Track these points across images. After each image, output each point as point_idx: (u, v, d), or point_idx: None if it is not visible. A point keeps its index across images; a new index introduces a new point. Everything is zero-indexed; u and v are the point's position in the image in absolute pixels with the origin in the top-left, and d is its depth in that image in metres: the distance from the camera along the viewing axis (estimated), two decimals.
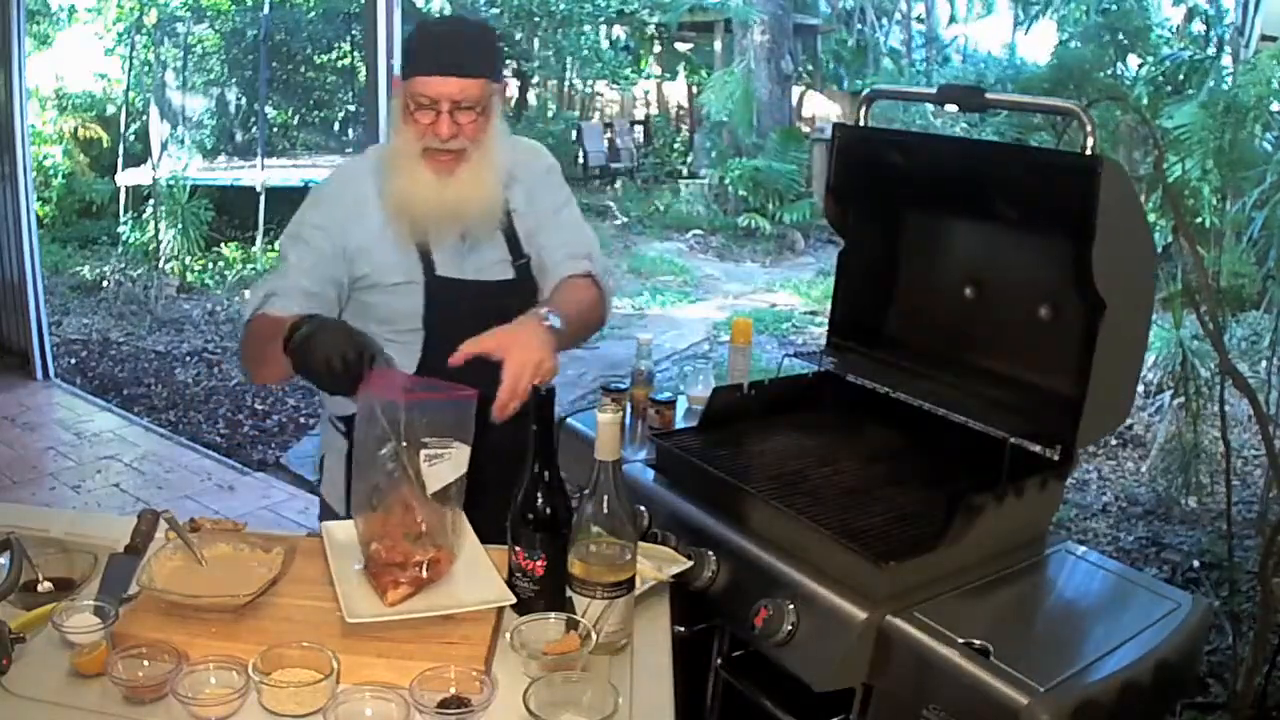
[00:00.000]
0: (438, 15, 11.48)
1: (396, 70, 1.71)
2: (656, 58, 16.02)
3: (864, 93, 2.00)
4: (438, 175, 1.62)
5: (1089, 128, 1.53)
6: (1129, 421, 4.43)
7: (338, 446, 1.80)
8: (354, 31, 9.85)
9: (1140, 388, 4.32)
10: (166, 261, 7.63)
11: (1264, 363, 4.36)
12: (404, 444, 1.28)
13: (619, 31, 15.24)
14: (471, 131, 1.61)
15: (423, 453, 1.29)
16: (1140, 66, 9.32)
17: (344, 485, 1.73)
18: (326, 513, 1.82)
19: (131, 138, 9.13)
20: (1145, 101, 7.48)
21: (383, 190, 1.66)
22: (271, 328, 1.50)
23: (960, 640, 1.35)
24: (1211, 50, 8.78)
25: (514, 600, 1.29)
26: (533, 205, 1.78)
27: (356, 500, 1.38)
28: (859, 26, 14.99)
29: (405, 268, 1.67)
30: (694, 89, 14.24)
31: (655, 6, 13.41)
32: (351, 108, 10.50)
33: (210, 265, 7.83)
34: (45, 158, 8.90)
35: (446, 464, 1.30)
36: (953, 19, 16.12)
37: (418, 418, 1.29)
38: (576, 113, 14.07)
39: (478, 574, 1.35)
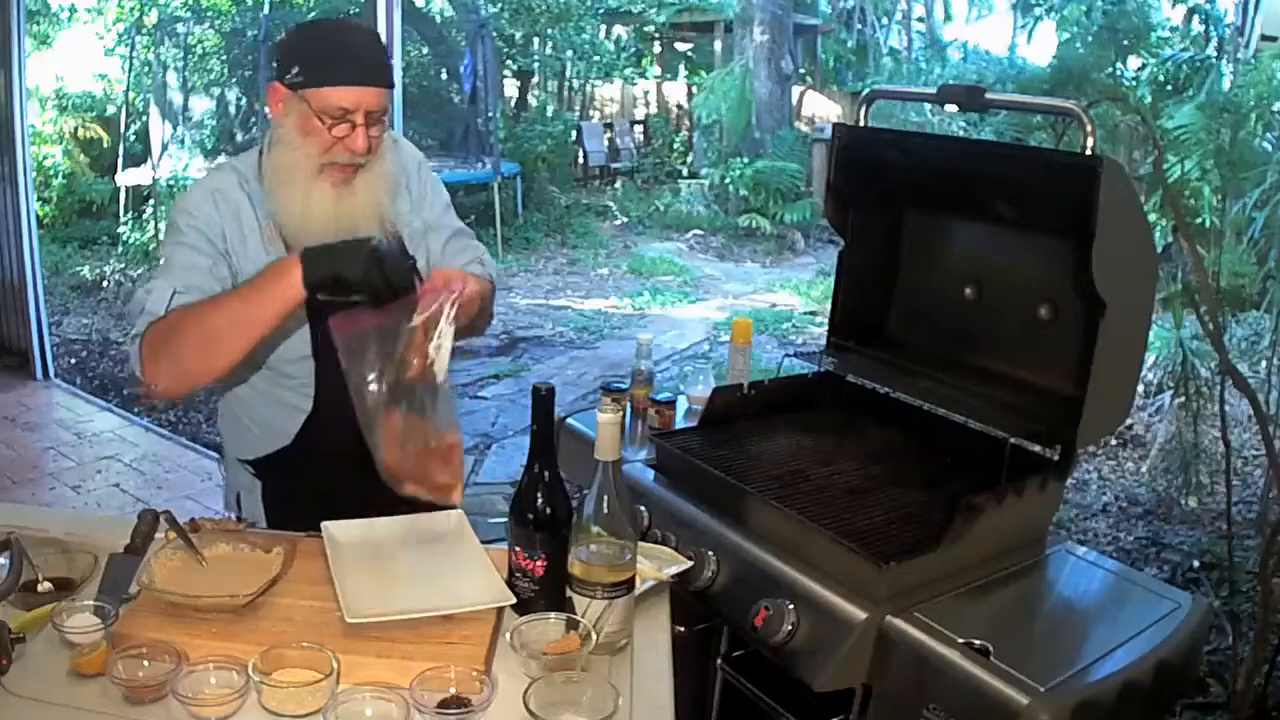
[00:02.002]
0: (436, 16, 11.49)
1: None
2: (657, 58, 16.03)
3: (864, 93, 2.00)
4: (335, 189, 1.52)
5: (1089, 128, 1.53)
6: (1129, 421, 4.43)
7: (249, 486, 1.76)
8: None
9: (1140, 388, 4.31)
10: None
11: (1264, 363, 4.36)
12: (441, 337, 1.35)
13: (620, 30, 15.24)
14: (377, 143, 1.53)
15: (431, 345, 1.35)
16: (1140, 67, 9.32)
17: (266, 520, 1.71)
18: None
19: (131, 138, 9.13)
20: (1146, 102, 7.48)
21: (272, 209, 1.54)
22: (213, 306, 1.38)
23: (960, 640, 1.35)
24: (1211, 50, 8.78)
25: (514, 600, 1.29)
26: (419, 204, 1.71)
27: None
28: (859, 26, 14.98)
29: (190, 295, 1.47)
30: (693, 89, 14.24)
31: (655, 5, 13.42)
32: None
33: None
34: (45, 158, 8.90)
35: (445, 346, 1.36)
36: (948, 17, 16.11)
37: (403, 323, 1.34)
38: (576, 113, 14.07)
39: (478, 574, 1.35)
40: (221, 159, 9.27)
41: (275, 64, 1.53)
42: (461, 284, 1.38)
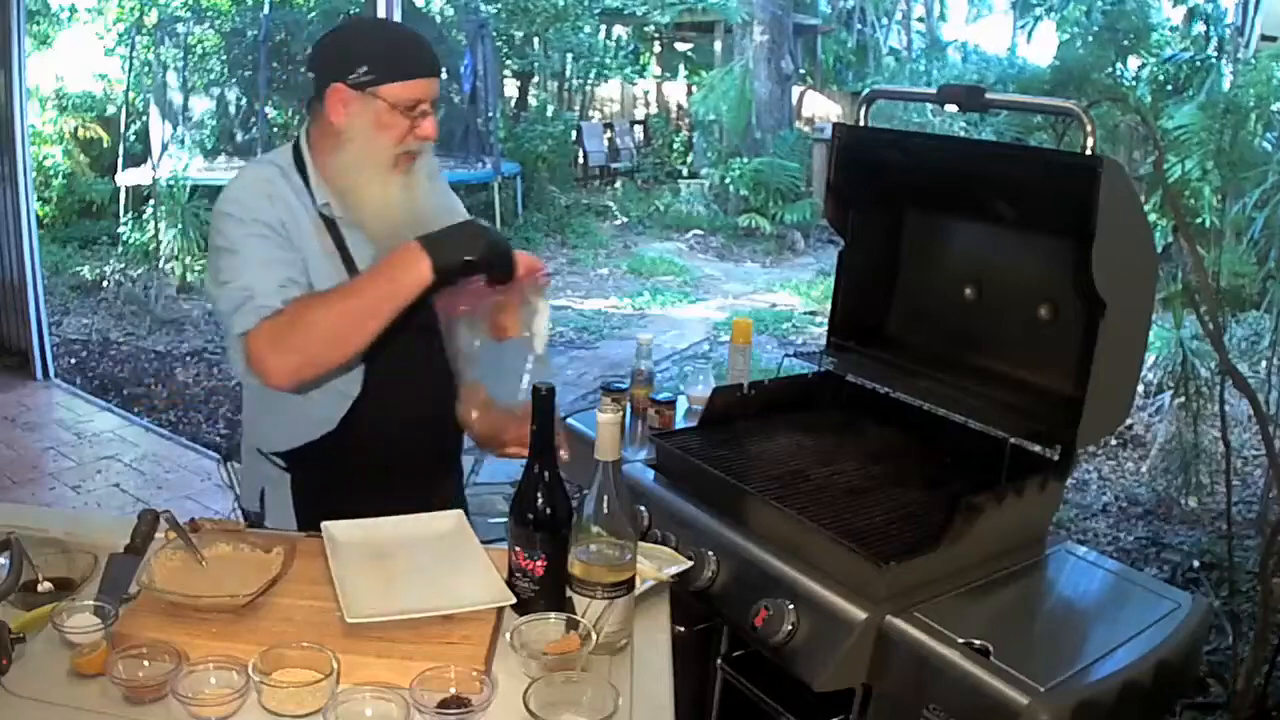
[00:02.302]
0: (436, 16, 11.49)
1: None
2: (657, 58, 16.02)
3: (864, 93, 2.00)
4: (403, 177, 1.56)
5: (1089, 128, 1.53)
6: (1129, 421, 4.43)
7: (275, 480, 1.71)
8: None
9: (1140, 388, 4.32)
10: (166, 261, 7.63)
11: (1264, 363, 4.36)
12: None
13: (620, 30, 15.24)
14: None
15: (536, 320, 1.52)
16: (1141, 67, 9.33)
17: (296, 515, 1.68)
18: None
19: (131, 138, 9.12)
20: (1146, 102, 7.48)
21: (344, 203, 1.56)
22: (340, 296, 1.44)
23: (960, 640, 1.35)
24: (1211, 50, 8.78)
25: (514, 600, 1.29)
26: (444, 197, 1.73)
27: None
28: (859, 27, 14.99)
29: (291, 288, 1.50)
30: (693, 89, 14.25)
31: (655, 6, 13.41)
32: None
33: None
34: (45, 158, 8.90)
35: (544, 318, 1.53)
36: (942, 16, 16.12)
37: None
38: (576, 113, 14.08)
39: (478, 574, 1.35)
40: (222, 159, 9.31)
41: (323, 68, 1.55)
42: (543, 264, 1.52)
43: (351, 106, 1.52)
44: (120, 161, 8.74)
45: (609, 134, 13.88)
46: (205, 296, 1.62)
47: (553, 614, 1.27)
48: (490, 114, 10.08)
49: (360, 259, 1.58)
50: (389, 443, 1.62)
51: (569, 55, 13.17)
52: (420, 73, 1.53)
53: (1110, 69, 9.31)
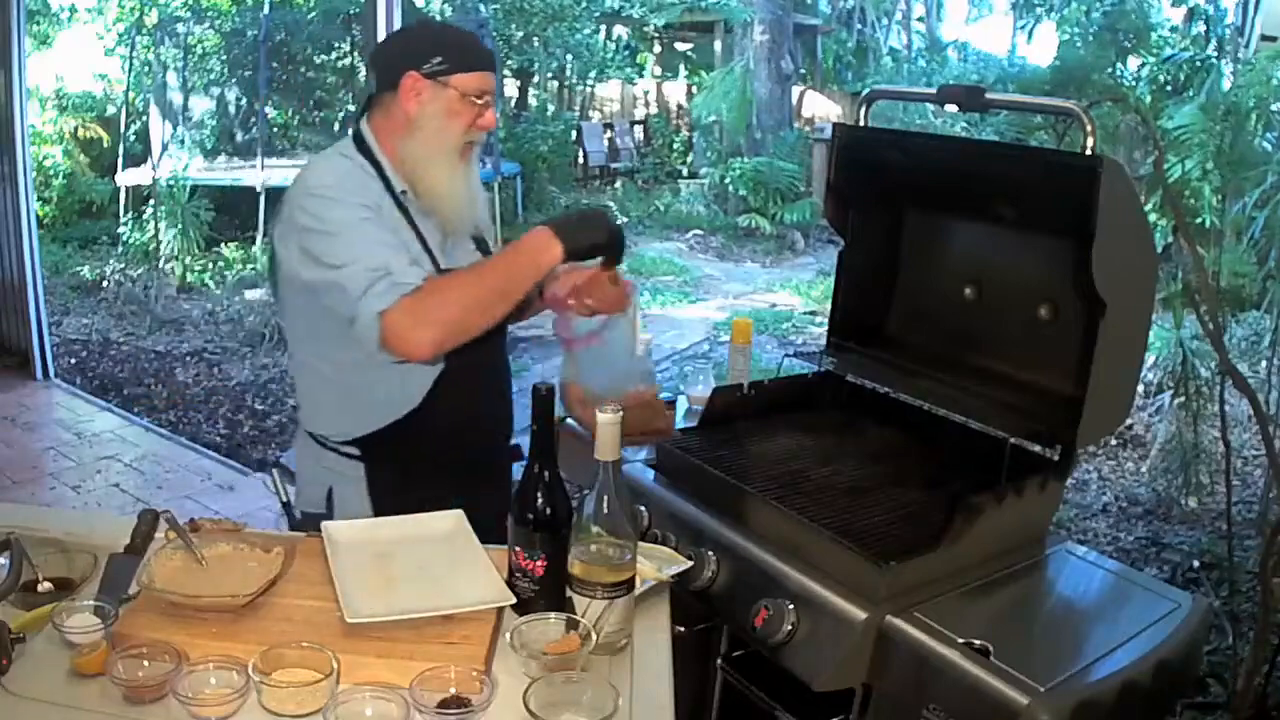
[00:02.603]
0: (436, 15, 11.49)
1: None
2: (657, 58, 16.02)
3: (864, 93, 2.00)
4: (466, 165, 1.66)
5: (1089, 128, 1.53)
6: (1129, 421, 4.43)
7: (346, 473, 1.71)
8: (354, 31, 9.86)
9: (1140, 388, 4.32)
10: (166, 261, 7.63)
11: (1264, 363, 4.36)
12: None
13: (620, 30, 15.24)
14: None
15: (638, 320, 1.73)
16: (1141, 67, 9.32)
17: (373, 507, 1.68)
18: None
19: (131, 138, 9.12)
20: (1146, 102, 7.48)
21: (416, 188, 1.63)
22: (477, 276, 1.55)
23: (960, 640, 1.35)
24: (1211, 50, 8.78)
25: (514, 600, 1.29)
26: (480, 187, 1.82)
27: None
28: (859, 27, 14.99)
29: (419, 267, 1.59)
30: (693, 89, 14.24)
31: (655, 7, 13.41)
32: (351, 108, 10.50)
33: (210, 265, 7.82)
34: (45, 158, 8.90)
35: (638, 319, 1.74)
36: (940, 16, 16.12)
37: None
38: (576, 113, 14.08)
39: (478, 574, 1.35)
40: (222, 159, 9.30)
41: (397, 58, 1.62)
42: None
43: (424, 95, 1.60)
44: (120, 161, 8.74)
45: (609, 134, 13.88)
46: (284, 284, 1.61)
47: (553, 614, 1.27)
48: None
49: (431, 244, 1.65)
50: (463, 426, 1.70)
51: (569, 55, 13.17)
52: (486, 65, 1.64)
53: (1110, 69, 9.31)
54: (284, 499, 1.67)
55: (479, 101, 1.62)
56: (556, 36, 12.47)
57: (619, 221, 1.64)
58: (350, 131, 1.72)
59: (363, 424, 1.68)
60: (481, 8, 11.11)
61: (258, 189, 8.35)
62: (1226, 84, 7.11)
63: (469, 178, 1.67)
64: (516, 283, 1.54)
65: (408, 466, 1.67)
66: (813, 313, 7.56)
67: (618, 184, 12.74)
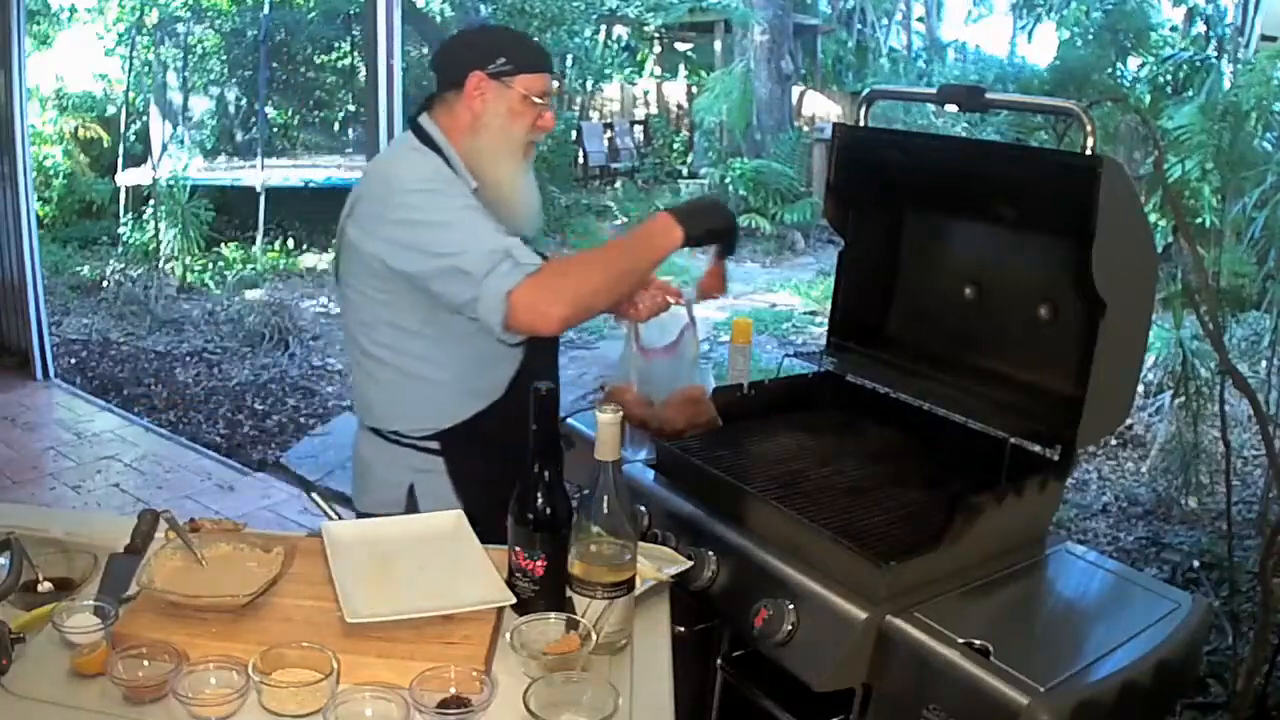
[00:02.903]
0: (436, 15, 11.49)
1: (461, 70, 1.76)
2: (657, 58, 16.02)
3: (864, 93, 2.00)
4: (526, 164, 1.72)
5: (1089, 128, 1.53)
6: (1129, 421, 4.43)
7: (432, 468, 1.73)
8: (354, 31, 9.86)
9: (1140, 388, 4.32)
10: (166, 261, 7.63)
11: (1264, 363, 4.36)
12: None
13: (620, 31, 15.24)
14: None
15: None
16: (1141, 67, 9.32)
17: (458, 496, 1.70)
18: None
19: (132, 138, 9.13)
20: (1146, 102, 7.48)
21: (494, 183, 1.67)
22: (605, 257, 1.64)
23: (960, 640, 1.35)
24: (1211, 50, 8.78)
25: (514, 600, 1.29)
26: None
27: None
28: (859, 27, 14.99)
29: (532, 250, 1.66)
30: (693, 89, 14.24)
31: (655, 7, 13.41)
32: (351, 108, 10.51)
33: (210, 265, 7.83)
34: (45, 158, 8.90)
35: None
36: (940, 16, 16.13)
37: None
38: (576, 113, 14.07)
39: (478, 574, 1.35)
40: (222, 159, 9.30)
41: (462, 58, 1.67)
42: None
43: (488, 94, 1.65)
44: (120, 161, 8.74)
45: (609, 134, 13.86)
46: (367, 282, 1.62)
47: (553, 614, 1.27)
48: None
49: None
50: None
51: (569, 59, 13.14)
52: (547, 67, 1.70)
53: (1110, 69, 9.31)
54: (334, 517, 1.66)
55: (540, 102, 1.67)
56: (555, 41, 12.47)
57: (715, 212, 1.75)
58: (409, 127, 1.75)
59: (449, 417, 1.71)
60: (481, 8, 11.11)
61: (258, 189, 8.36)
62: (1226, 84, 7.11)
63: (529, 176, 1.73)
64: (640, 264, 1.62)
65: (488, 454, 1.68)
66: (813, 313, 7.56)
67: (618, 184, 12.73)
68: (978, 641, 1.34)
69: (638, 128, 14.65)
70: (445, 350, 1.68)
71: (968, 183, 1.75)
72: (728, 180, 10.70)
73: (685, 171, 13.13)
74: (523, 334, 1.57)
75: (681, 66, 15.84)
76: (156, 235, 7.68)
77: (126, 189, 8.64)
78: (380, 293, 1.65)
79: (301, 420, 5.00)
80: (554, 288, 1.54)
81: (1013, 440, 1.66)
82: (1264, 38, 7.81)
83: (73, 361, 5.75)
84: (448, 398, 1.71)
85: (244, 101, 9.91)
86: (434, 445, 1.73)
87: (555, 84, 1.71)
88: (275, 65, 9.78)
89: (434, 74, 1.75)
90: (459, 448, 1.73)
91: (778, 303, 8.08)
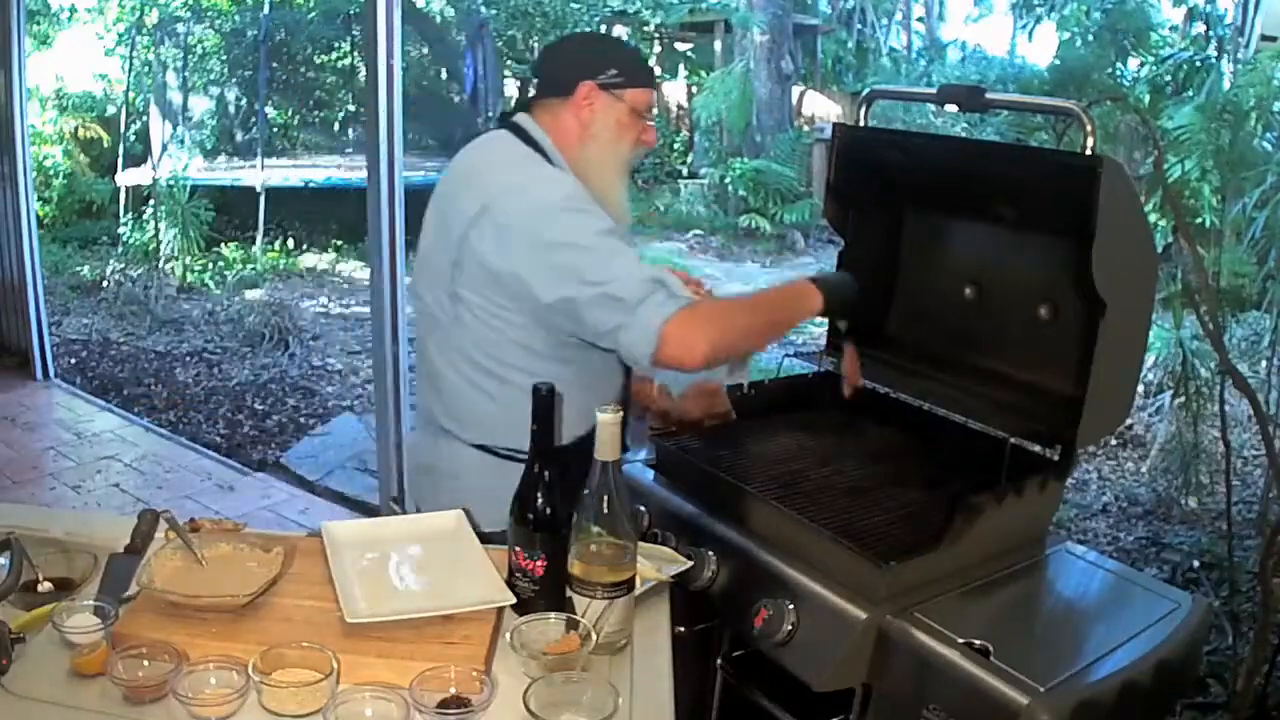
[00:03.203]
0: (436, 16, 11.49)
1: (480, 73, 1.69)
2: (657, 58, 16.01)
3: (864, 93, 2.00)
4: (627, 179, 1.72)
5: (1089, 128, 1.53)
6: (1129, 421, 4.43)
7: (507, 475, 1.67)
8: (354, 31, 9.86)
9: (1140, 388, 4.32)
10: (166, 261, 7.63)
11: (1264, 363, 4.36)
12: None
13: (620, 31, 15.23)
14: None
15: None
16: (1140, 67, 9.32)
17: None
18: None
19: (132, 138, 9.13)
20: (1146, 102, 7.48)
21: (600, 196, 1.63)
22: (753, 308, 1.65)
23: (960, 640, 1.35)
24: (1211, 50, 8.78)
25: (514, 600, 1.29)
26: None
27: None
28: (859, 27, 14.99)
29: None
30: (693, 89, 14.23)
31: (655, 7, 13.41)
32: (351, 108, 10.51)
33: (210, 265, 7.83)
34: (45, 158, 8.91)
35: None
36: (942, 16, 16.13)
37: None
38: None
39: (478, 574, 1.35)
40: (222, 159, 9.29)
41: (572, 66, 1.66)
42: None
43: (598, 105, 1.64)
44: (120, 161, 8.75)
45: None
46: (503, 299, 1.61)
47: (553, 614, 1.27)
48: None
49: None
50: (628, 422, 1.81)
51: None
52: (654, 83, 1.70)
53: (1110, 69, 9.31)
54: None
55: (645, 118, 1.67)
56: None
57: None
58: (500, 125, 1.72)
59: (568, 434, 1.67)
60: (482, 9, 11.11)
61: (257, 189, 8.36)
62: (1226, 84, 7.11)
63: (626, 191, 1.72)
64: (784, 320, 1.65)
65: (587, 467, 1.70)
66: None
67: None
68: (978, 641, 1.34)
69: None
70: (571, 370, 1.64)
71: (968, 183, 1.75)
72: (727, 180, 10.70)
73: (685, 171, 13.12)
74: (665, 365, 1.54)
75: (681, 66, 15.83)
76: (156, 235, 7.69)
77: (126, 189, 8.64)
78: (512, 312, 1.60)
79: (301, 420, 5.00)
80: (705, 325, 1.53)
81: (1013, 440, 1.66)
82: (1264, 38, 7.81)
83: (73, 361, 5.75)
84: (569, 416, 1.67)
85: (244, 101, 9.91)
86: (521, 453, 1.68)
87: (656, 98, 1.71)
88: (275, 65, 9.78)
89: (535, 77, 1.72)
90: (569, 463, 1.71)
91: None
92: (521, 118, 1.69)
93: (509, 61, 12.68)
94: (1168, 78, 8.01)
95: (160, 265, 7.56)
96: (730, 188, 10.73)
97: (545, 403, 1.30)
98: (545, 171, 1.63)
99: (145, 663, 1.16)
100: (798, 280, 1.64)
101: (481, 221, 1.57)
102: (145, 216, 7.97)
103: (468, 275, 1.61)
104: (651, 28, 14.53)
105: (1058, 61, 9.94)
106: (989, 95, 1.70)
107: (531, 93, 1.74)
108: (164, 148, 9.05)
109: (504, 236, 1.55)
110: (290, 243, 8.84)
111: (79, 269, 7.72)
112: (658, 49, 15.76)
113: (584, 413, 1.66)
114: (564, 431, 1.66)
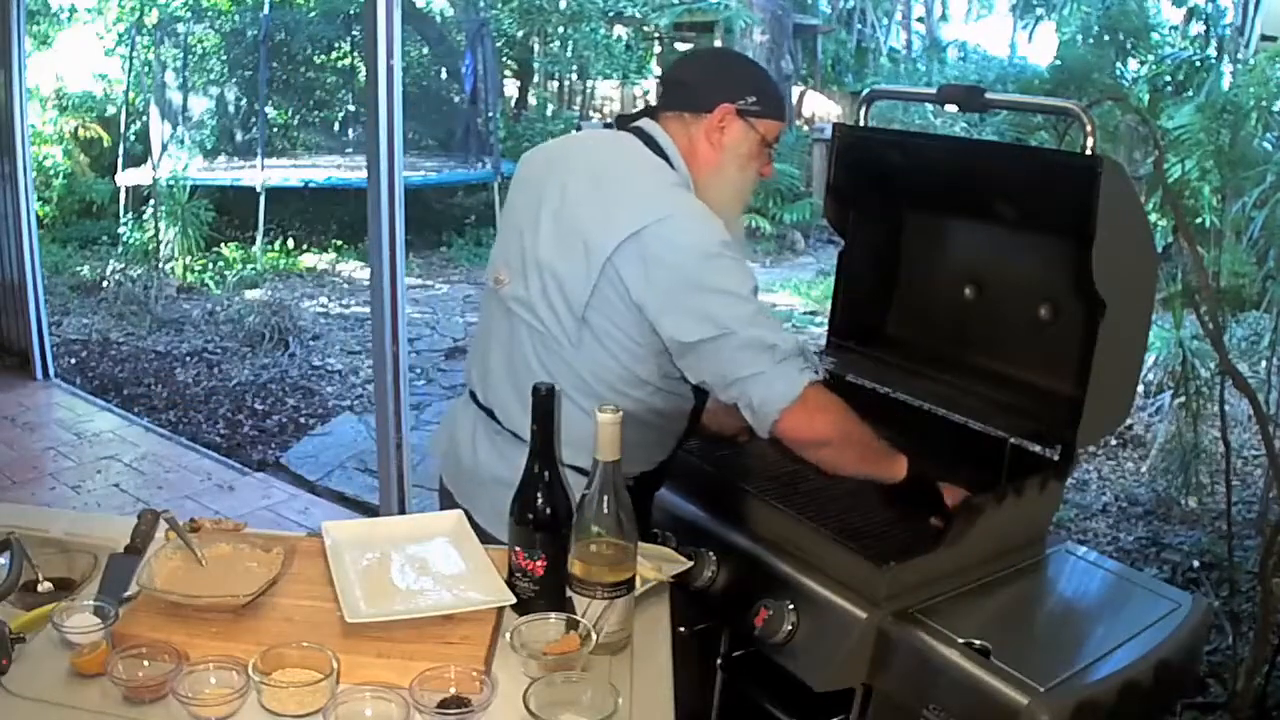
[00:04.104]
0: (436, 16, 11.49)
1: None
2: (657, 58, 16.01)
3: (864, 93, 2.00)
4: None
5: (1089, 128, 1.53)
6: (1129, 421, 4.43)
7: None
8: (354, 31, 9.86)
9: (1140, 388, 4.31)
10: (166, 261, 7.63)
11: (1264, 363, 4.36)
12: None
13: (621, 31, 15.24)
14: None
15: None
16: (1140, 67, 9.33)
17: None
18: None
19: (132, 138, 9.13)
20: (1145, 102, 7.48)
21: (725, 225, 1.57)
22: (864, 444, 1.58)
23: (960, 640, 1.35)
24: (1211, 50, 8.78)
25: (514, 600, 1.29)
26: None
27: None
28: (859, 27, 14.99)
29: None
30: None
31: (658, 7, 13.41)
32: (351, 108, 10.51)
33: (210, 265, 7.83)
34: (45, 158, 8.90)
35: None
36: (943, 16, 16.13)
37: None
38: (576, 112, 14.06)
39: (478, 574, 1.35)
40: (222, 159, 9.27)
41: (714, 86, 1.60)
42: None
43: (731, 130, 1.60)
44: (120, 161, 8.74)
45: None
46: (631, 333, 1.54)
47: (553, 614, 1.27)
48: (490, 114, 10.09)
49: None
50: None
51: (589, 54, 13.10)
52: (785, 116, 1.66)
53: (1110, 69, 9.31)
54: None
55: (770, 150, 1.63)
56: (581, 38, 12.47)
57: None
58: (620, 127, 1.66)
59: (652, 460, 1.69)
60: (484, 8, 11.11)
61: (257, 189, 8.36)
62: (1226, 84, 7.11)
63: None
64: (873, 468, 1.59)
65: (665, 486, 1.75)
66: (813, 313, 7.56)
67: None
68: (978, 641, 1.34)
69: None
70: (660, 399, 1.63)
71: (968, 183, 1.75)
72: None
73: None
74: (785, 427, 1.49)
75: None
76: (156, 235, 7.69)
77: (126, 189, 8.64)
78: (637, 345, 1.56)
79: (301, 420, 5.00)
80: (840, 411, 1.54)
81: (1013, 440, 1.66)
82: (1264, 38, 7.80)
83: (73, 361, 5.75)
84: (659, 440, 1.68)
85: (244, 101, 9.91)
86: (629, 483, 1.61)
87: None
88: (275, 65, 9.78)
89: (665, 88, 1.67)
90: (648, 485, 1.72)
91: (778, 303, 8.08)
92: (648, 124, 1.63)
93: (509, 61, 12.69)
94: (1168, 78, 8.02)
95: (160, 265, 7.56)
96: None
97: (545, 403, 1.30)
98: (696, 206, 1.56)
99: (145, 663, 1.15)
100: (899, 454, 1.61)
101: (628, 249, 1.50)
102: (145, 216, 7.96)
103: (603, 300, 1.54)
104: (652, 27, 14.53)
105: (1058, 61, 9.95)
106: (989, 95, 1.70)
107: (656, 100, 1.70)
108: (164, 148, 9.04)
109: (654, 270, 1.50)
110: (290, 243, 8.84)
111: (79, 269, 7.72)
112: (658, 48, 15.76)
113: (673, 438, 1.71)
114: (642, 457, 1.66)
